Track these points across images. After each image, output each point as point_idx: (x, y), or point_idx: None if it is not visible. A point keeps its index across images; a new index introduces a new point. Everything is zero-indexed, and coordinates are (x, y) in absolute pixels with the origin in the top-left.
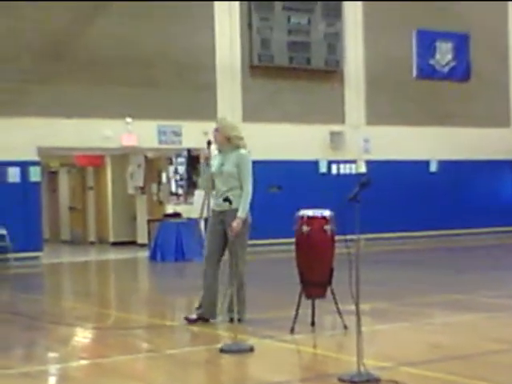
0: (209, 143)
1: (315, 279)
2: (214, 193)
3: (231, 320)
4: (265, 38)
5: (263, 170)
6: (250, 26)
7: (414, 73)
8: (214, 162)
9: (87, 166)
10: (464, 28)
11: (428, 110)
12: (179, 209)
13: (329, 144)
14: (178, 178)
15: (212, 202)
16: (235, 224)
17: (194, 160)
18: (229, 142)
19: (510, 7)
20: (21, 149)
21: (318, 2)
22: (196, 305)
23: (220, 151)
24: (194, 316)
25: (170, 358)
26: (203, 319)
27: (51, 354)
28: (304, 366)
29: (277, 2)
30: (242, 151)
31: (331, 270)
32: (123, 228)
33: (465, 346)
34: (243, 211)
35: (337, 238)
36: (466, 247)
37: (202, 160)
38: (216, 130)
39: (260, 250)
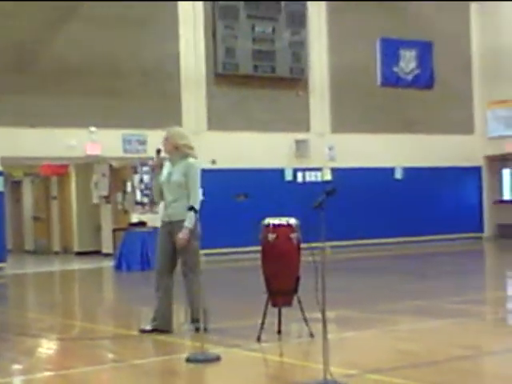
0: (158, 152)
1: (281, 287)
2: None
3: (197, 330)
4: (229, 47)
5: (228, 178)
6: (214, 34)
7: (379, 80)
8: (164, 172)
9: (51, 175)
10: (427, 36)
11: (393, 118)
12: (144, 218)
13: (294, 152)
14: (143, 187)
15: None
16: (181, 235)
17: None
18: (177, 150)
19: (472, 16)
20: None
21: (283, 11)
22: (151, 316)
23: (170, 160)
24: (148, 327)
25: (136, 368)
26: (158, 330)
27: (16, 366)
28: (271, 374)
29: (241, 11)
30: (191, 160)
31: (297, 278)
32: (88, 237)
33: (431, 352)
34: (190, 221)
35: (302, 245)
36: (430, 253)
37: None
38: (165, 138)
39: (225, 258)
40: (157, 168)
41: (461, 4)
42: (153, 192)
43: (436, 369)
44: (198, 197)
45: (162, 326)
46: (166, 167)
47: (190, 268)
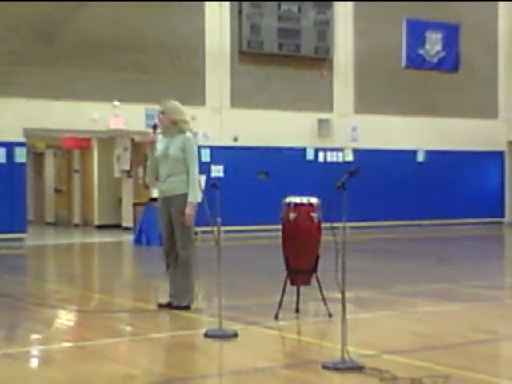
0: (154, 127)
1: (301, 266)
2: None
3: (167, 306)
4: (255, 24)
5: (250, 156)
6: (240, 11)
7: (403, 62)
8: (160, 146)
9: (74, 148)
10: (454, 19)
11: (416, 100)
12: None
13: (316, 132)
14: None
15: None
16: (187, 211)
17: None
18: (174, 125)
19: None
20: (7, 130)
21: None
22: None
23: (164, 135)
24: (165, 302)
25: (154, 341)
26: (174, 306)
27: (34, 336)
28: (288, 352)
29: None
30: (188, 135)
31: (317, 258)
32: (108, 211)
33: (448, 335)
34: (194, 196)
35: (323, 225)
36: (450, 237)
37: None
38: (162, 112)
39: (246, 236)
40: (153, 144)
41: None
42: (148, 170)
43: (452, 352)
44: (196, 171)
45: (176, 303)
46: (161, 142)
47: (181, 244)
